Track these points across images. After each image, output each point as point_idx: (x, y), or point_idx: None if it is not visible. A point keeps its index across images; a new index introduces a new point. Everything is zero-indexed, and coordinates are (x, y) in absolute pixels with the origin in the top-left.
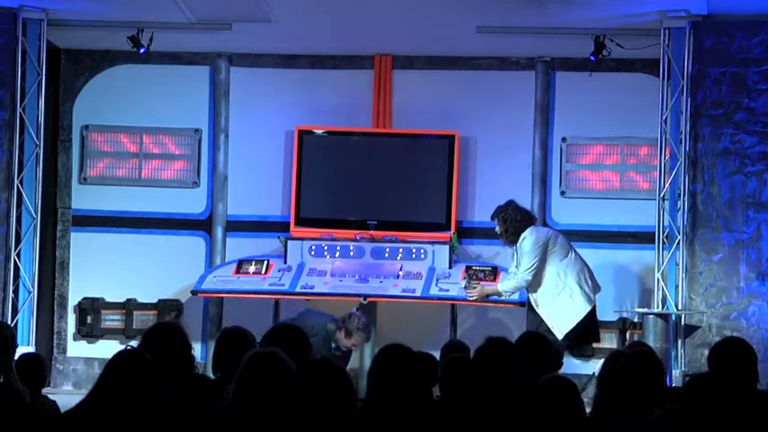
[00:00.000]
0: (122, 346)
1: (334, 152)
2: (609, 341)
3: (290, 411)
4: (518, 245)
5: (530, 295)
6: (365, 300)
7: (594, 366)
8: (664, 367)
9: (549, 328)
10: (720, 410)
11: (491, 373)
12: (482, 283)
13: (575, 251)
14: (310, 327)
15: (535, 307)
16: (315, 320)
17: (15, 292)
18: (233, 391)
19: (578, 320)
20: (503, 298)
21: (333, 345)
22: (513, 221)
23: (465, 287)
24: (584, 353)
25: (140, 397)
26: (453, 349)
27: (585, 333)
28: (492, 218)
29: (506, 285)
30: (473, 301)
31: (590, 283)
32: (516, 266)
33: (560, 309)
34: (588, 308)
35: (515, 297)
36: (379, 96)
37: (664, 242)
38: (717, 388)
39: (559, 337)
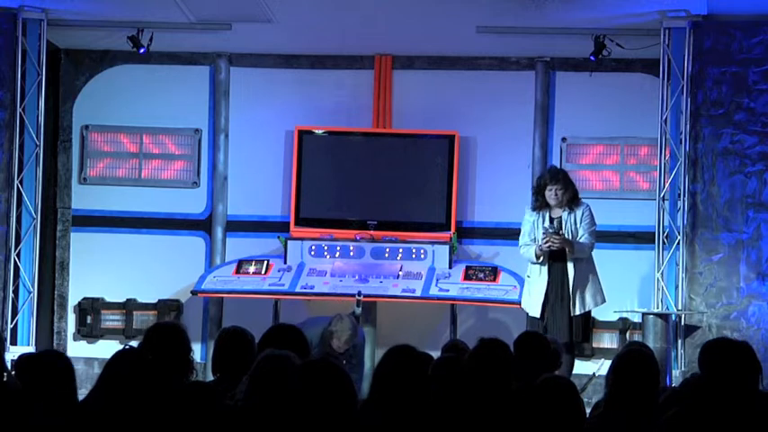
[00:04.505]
0: (122, 347)
1: (334, 152)
2: (609, 341)
3: (290, 411)
4: (579, 213)
5: (568, 263)
6: (360, 295)
7: (594, 366)
8: (659, 367)
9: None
10: (723, 412)
11: (484, 375)
12: (483, 282)
13: None
14: (310, 341)
15: (568, 275)
16: (314, 332)
17: (15, 292)
18: (244, 391)
19: (593, 307)
20: (504, 297)
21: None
22: (572, 183)
23: (547, 231)
24: (584, 352)
25: (140, 396)
26: (450, 349)
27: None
28: (552, 182)
29: (579, 245)
30: (555, 244)
31: None
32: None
33: (592, 285)
34: (600, 303)
35: (515, 297)
36: (379, 96)
37: (664, 242)
38: (716, 389)
39: (578, 311)
